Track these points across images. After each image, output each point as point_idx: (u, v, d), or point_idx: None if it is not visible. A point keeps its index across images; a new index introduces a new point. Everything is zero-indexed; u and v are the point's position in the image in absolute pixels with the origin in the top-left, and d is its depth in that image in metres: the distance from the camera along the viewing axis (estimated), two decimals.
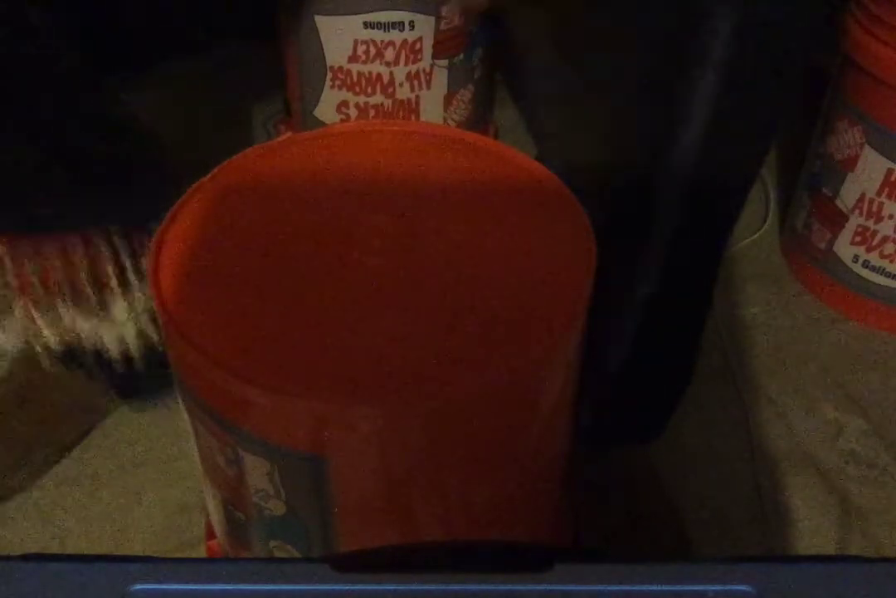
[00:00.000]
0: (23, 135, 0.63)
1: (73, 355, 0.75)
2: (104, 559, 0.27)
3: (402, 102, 0.94)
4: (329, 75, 0.93)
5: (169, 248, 0.48)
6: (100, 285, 0.71)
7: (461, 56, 0.93)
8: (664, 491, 0.74)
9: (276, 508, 0.50)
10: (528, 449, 0.51)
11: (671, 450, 0.76)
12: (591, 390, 0.51)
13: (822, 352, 0.88)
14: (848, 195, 0.85)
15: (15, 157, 0.64)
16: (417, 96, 0.94)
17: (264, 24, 0.92)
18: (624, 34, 0.55)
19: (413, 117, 0.96)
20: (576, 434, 0.55)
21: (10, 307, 0.72)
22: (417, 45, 0.90)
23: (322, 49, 0.91)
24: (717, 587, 0.26)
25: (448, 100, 0.96)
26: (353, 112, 0.95)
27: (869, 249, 0.86)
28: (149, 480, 0.76)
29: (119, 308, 0.72)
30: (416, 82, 0.93)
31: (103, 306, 0.72)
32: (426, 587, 0.26)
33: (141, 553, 0.69)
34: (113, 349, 0.74)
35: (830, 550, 0.72)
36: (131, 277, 0.72)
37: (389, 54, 0.90)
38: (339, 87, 0.93)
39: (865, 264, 0.87)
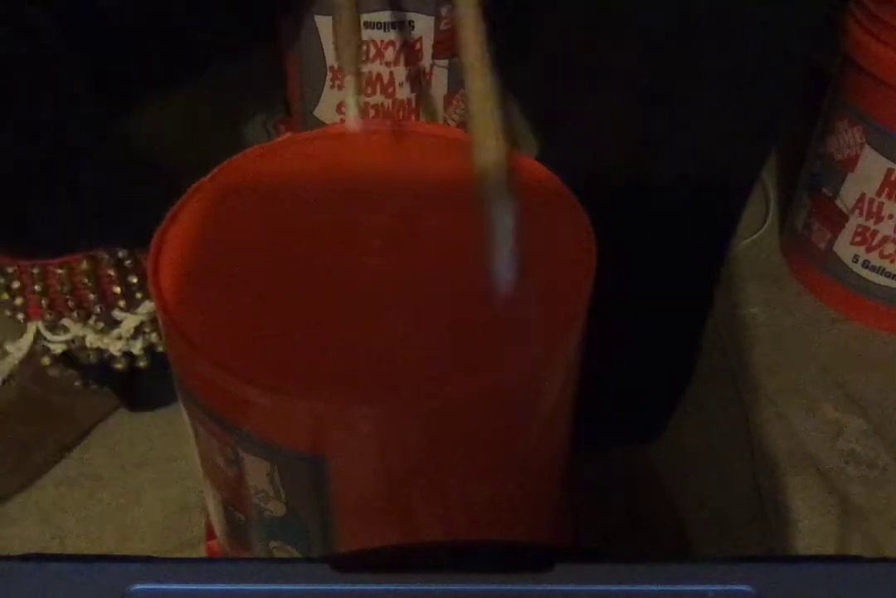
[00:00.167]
0: (22, 136, 0.63)
1: (79, 368, 0.75)
2: (104, 559, 0.27)
3: (402, 101, 0.94)
4: (329, 75, 0.93)
5: (169, 248, 0.48)
6: (107, 301, 0.72)
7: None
8: (664, 491, 0.74)
9: (276, 509, 0.50)
10: (528, 449, 0.51)
11: (671, 450, 0.76)
12: (591, 390, 0.51)
13: (822, 352, 0.88)
14: (848, 195, 0.85)
15: (14, 158, 0.64)
16: (417, 96, 0.94)
17: (265, 26, 0.92)
18: (624, 34, 0.55)
19: (413, 117, 0.96)
20: (576, 434, 0.55)
21: (17, 320, 0.73)
22: (417, 45, 0.90)
23: (322, 49, 0.90)
24: (717, 587, 0.26)
25: (448, 100, 0.96)
26: None
27: (869, 249, 0.86)
28: (149, 480, 0.76)
29: (127, 323, 0.72)
30: (416, 82, 0.93)
31: (110, 321, 0.72)
32: (426, 587, 0.26)
33: (141, 553, 0.69)
34: (120, 363, 0.74)
35: (830, 550, 0.72)
36: (138, 294, 0.72)
37: (389, 54, 0.90)
38: (339, 87, 0.93)
39: (865, 264, 0.87)
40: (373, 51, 0.90)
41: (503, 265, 0.42)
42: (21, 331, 0.73)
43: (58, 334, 0.72)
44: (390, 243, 0.48)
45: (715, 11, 0.51)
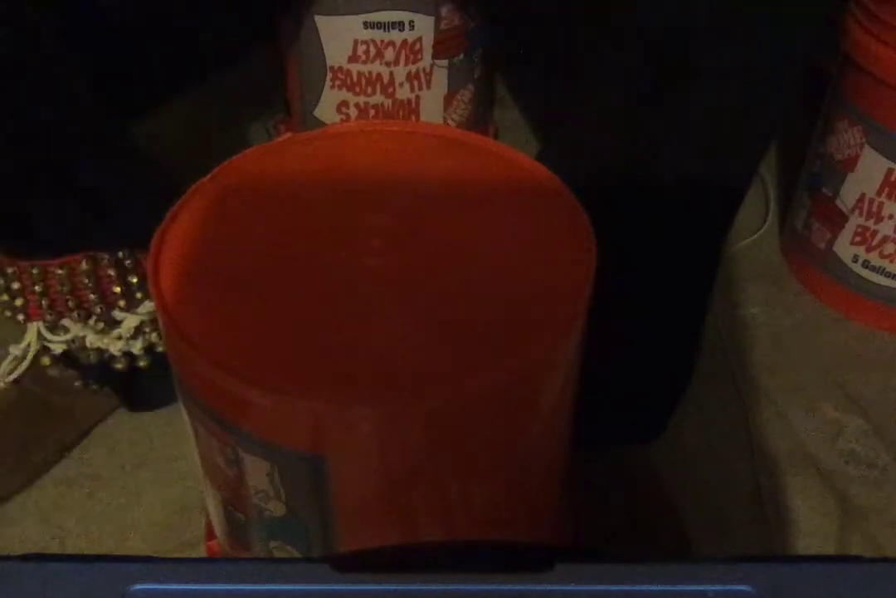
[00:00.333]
0: (22, 135, 0.63)
1: (79, 369, 0.75)
2: (104, 559, 0.27)
3: (402, 101, 0.94)
4: (329, 75, 0.93)
5: (169, 248, 0.48)
6: (107, 301, 0.72)
7: (461, 56, 0.93)
8: (664, 491, 0.74)
9: (276, 509, 0.50)
10: (528, 449, 0.51)
11: (671, 450, 0.76)
12: (591, 390, 0.51)
13: (822, 352, 0.88)
14: (848, 195, 0.85)
15: (14, 158, 0.64)
16: (417, 96, 0.94)
17: (265, 26, 0.92)
18: (624, 34, 0.55)
19: (413, 117, 0.96)
20: (576, 434, 0.55)
21: (18, 321, 0.73)
22: (417, 45, 0.90)
23: (322, 49, 0.91)
24: (717, 587, 0.26)
25: (448, 100, 0.96)
26: (353, 112, 0.95)
27: (869, 249, 0.86)
28: (149, 480, 0.76)
29: (127, 323, 0.72)
30: (416, 82, 0.93)
31: (110, 321, 0.72)
32: (426, 587, 0.26)
33: (141, 553, 0.69)
34: (121, 363, 0.74)
35: (830, 550, 0.72)
36: (138, 292, 0.72)
37: (389, 54, 0.90)
38: (339, 88, 0.93)
39: (865, 264, 0.87)
40: (373, 51, 0.90)
41: None
42: (21, 332, 0.73)
43: (58, 335, 0.72)
44: (390, 243, 0.48)
45: (715, 12, 0.51)
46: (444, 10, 0.89)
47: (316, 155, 0.54)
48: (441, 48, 0.91)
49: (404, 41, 0.89)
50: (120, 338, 0.72)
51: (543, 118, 1.08)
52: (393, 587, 0.26)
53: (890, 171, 0.80)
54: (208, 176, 0.52)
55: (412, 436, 0.45)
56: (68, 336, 0.72)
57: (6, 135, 0.63)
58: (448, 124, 0.97)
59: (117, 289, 0.71)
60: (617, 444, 0.73)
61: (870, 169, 0.82)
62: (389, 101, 0.94)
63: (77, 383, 0.76)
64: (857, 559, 0.27)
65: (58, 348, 0.73)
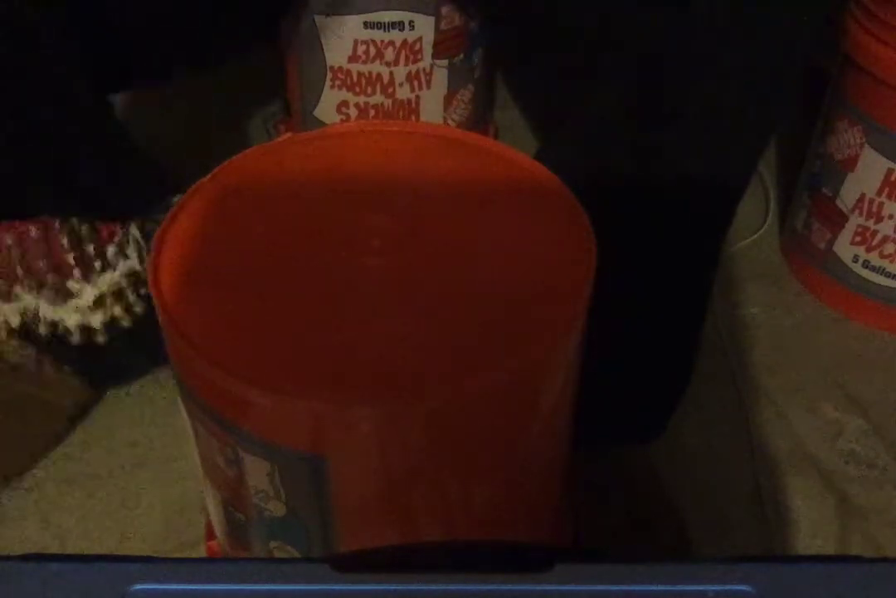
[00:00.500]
0: (22, 135, 0.63)
1: (36, 342, 0.73)
2: (104, 559, 0.27)
3: (402, 101, 0.94)
4: (329, 75, 0.93)
5: (169, 248, 0.48)
6: (62, 271, 0.69)
7: (461, 56, 0.93)
8: (664, 491, 0.74)
9: (276, 509, 0.50)
10: (528, 449, 0.51)
11: (671, 450, 0.76)
12: (591, 390, 0.51)
13: (822, 352, 0.87)
14: (848, 195, 0.85)
15: (14, 158, 0.64)
16: (417, 96, 0.94)
17: (265, 26, 0.92)
18: (624, 34, 0.56)
19: (413, 117, 0.96)
20: (576, 434, 0.55)
21: None
22: (417, 45, 0.90)
23: (322, 49, 0.91)
24: (717, 587, 0.26)
25: (448, 100, 0.96)
26: (353, 112, 0.95)
27: (869, 249, 0.86)
28: (149, 480, 0.76)
29: (84, 295, 0.70)
30: (416, 82, 0.93)
31: (66, 293, 0.70)
32: (426, 587, 0.26)
33: (141, 553, 0.69)
34: (77, 336, 0.72)
35: (830, 550, 0.72)
36: (96, 263, 0.70)
37: (389, 54, 0.90)
38: (339, 88, 0.93)
39: (865, 264, 0.87)
40: (373, 51, 0.90)
41: None
42: None
43: (12, 310, 0.69)
44: (390, 243, 0.48)
45: (715, 11, 0.51)
46: (444, 10, 0.89)
47: (316, 155, 0.54)
48: (441, 48, 0.91)
49: (404, 41, 0.89)
50: (77, 310, 0.70)
51: (543, 118, 1.08)
52: (393, 587, 0.26)
53: (890, 171, 0.80)
54: (208, 176, 0.52)
55: (412, 436, 0.45)
56: (20, 304, 0.69)
57: (6, 135, 0.63)
58: (448, 124, 0.97)
59: (70, 257, 0.68)
60: (617, 444, 0.73)
61: (870, 169, 0.82)
62: (389, 101, 0.94)
63: (29, 352, 0.72)
64: (857, 559, 0.27)
65: (13, 320, 0.70)
